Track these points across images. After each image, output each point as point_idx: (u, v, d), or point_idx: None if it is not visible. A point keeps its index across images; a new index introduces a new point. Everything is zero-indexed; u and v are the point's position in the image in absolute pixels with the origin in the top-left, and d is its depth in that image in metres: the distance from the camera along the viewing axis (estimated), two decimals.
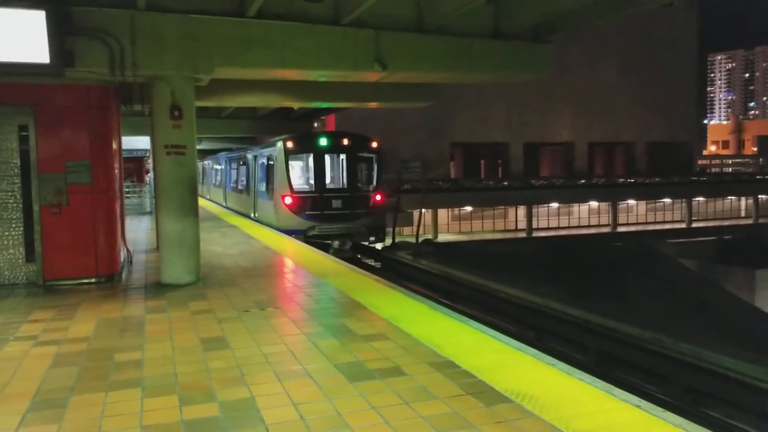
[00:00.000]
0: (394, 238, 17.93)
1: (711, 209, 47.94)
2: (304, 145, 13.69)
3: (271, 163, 13.93)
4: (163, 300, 6.80)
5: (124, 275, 8.41)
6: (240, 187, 18.86)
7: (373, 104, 13.44)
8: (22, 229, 7.62)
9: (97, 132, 7.79)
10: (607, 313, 9.15)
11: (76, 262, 7.70)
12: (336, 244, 12.99)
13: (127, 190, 20.01)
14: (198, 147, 30.77)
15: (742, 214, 49.06)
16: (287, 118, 20.43)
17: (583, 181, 44.70)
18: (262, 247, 11.25)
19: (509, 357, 4.51)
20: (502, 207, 42.42)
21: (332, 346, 4.87)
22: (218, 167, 24.31)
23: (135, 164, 23.11)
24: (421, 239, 17.82)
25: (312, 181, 13.62)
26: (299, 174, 14.16)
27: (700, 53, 60.67)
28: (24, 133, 7.49)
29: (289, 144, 13.35)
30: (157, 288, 7.51)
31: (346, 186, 13.52)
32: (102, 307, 6.45)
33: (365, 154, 13.90)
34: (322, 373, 4.26)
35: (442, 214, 40.34)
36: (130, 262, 9.45)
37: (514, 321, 9.84)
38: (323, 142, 13.63)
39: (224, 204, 22.19)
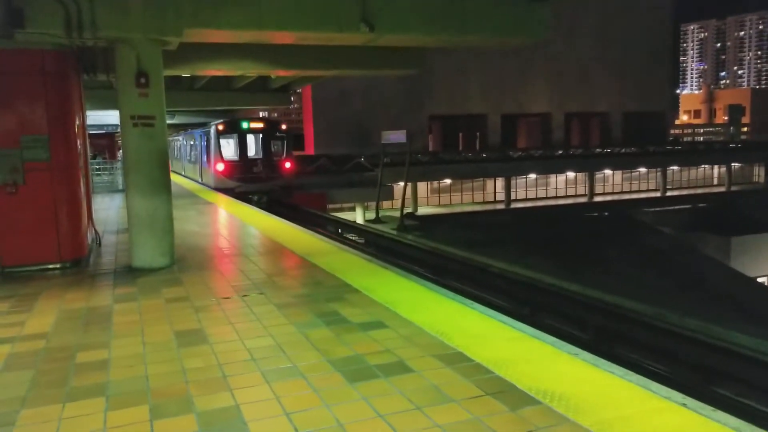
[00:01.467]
0: (377, 213, 17.35)
1: (685, 178, 48.24)
2: (231, 127, 17.96)
3: (209, 140, 18.21)
4: (134, 287, 6.13)
5: (92, 259, 7.69)
6: (192, 159, 22.94)
7: (356, 72, 12.76)
8: None
9: (54, 102, 6.97)
10: (604, 287, 8.76)
11: (37, 246, 6.96)
12: (255, 198, 16.99)
13: (98, 167, 19.04)
14: (171, 121, 30.82)
15: (715, 182, 49.49)
16: (264, 90, 19.54)
17: (560, 152, 44.46)
18: (242, 225, 10.57)
19: (525, 347, 3.97)
20: (481, 179, 42.06)
21: (325, 338, 4.28)
22: (178, 143, 29.10)
23: (106, 140, 22.10)
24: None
25: (237, 154, 17.84)
26: (228, 148, 18.07)
27: (674, 23, 60.41)
28: None
29: (220, 127, 17.78)
30: (128, 273, 6.82)
31: (261, 157, 17.96)
32: (65, 297, 5.76)
33: (277, 134, 18.46)
34: (316, 371, 3.67)
35: (422, 187, 39.81)
36: (99, 244, 8.70)
37: (507, 296, 9.38)
38: (245, 125, 18.05)
39: (183, 173, 26.06)
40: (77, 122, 7.81)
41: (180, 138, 28.07)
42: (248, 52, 10.22)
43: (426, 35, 7.88)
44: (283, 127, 18.85)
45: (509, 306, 8.80)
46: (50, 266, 7.04)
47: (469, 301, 5.06)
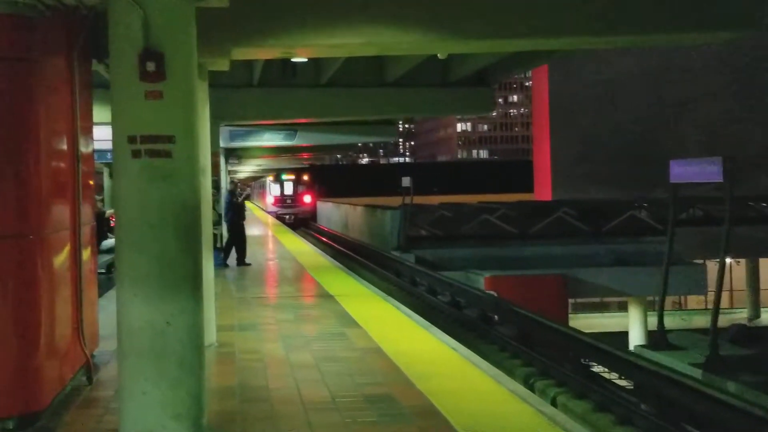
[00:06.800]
0: (661, 326, 15.84)
1: None
2: (277, 177, 79.79)
3: (268, 184, 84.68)
4: None
5: (68, 412, 7.42)
6: (262, 194, 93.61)
7: (596, 41, 12.20)
8: None
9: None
10: None
11: None
12: (287, 218, 70.84)
13: None
14: (291, 143, 30.50)
15: None
16: (444, 84, 19.42)
17: None
18: (366, 349, 9.97)
19: None
20: None
21: None
22: (259, 184, 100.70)
23: None
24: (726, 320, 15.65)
25: (278, 192, 80.00)
26: (274, 189, 79.94)
27: None
28: None
29: (271, 177, 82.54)
30: None
31: (291, 194, 78.76)
32: None
33: (303, 179, 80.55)
34: None
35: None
36: (90, 380, 8.46)
37: None
38: (284, 176, 79.52)
39: (266, 209, 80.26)
40: (59, 145, 7.74)
41: (266, 180, 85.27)
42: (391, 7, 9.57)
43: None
44: (305, 177, 78.35)
45: None
46: None
47: None
